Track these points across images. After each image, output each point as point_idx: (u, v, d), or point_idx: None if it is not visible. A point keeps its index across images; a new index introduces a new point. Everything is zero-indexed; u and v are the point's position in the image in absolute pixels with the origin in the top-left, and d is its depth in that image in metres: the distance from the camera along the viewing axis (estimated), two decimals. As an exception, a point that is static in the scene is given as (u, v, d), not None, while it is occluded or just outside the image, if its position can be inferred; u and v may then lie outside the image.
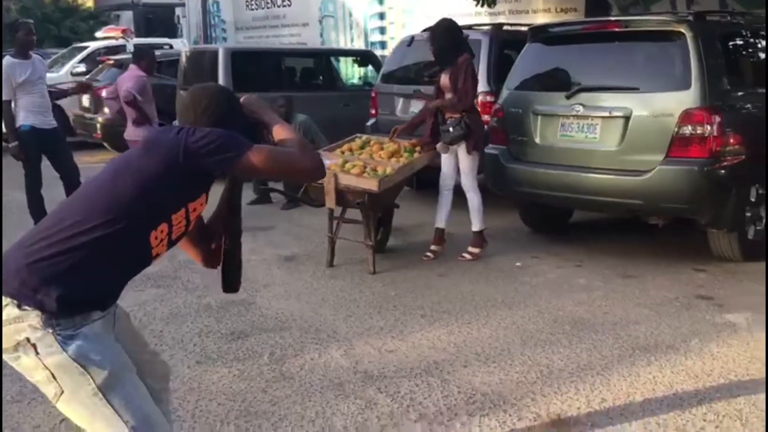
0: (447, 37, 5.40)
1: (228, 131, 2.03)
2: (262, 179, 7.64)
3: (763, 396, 3.26)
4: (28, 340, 1.85)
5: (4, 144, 6.57)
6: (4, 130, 6.13)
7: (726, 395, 3.31)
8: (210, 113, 2.15)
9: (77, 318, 1.88)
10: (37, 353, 1.85)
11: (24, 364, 1.88)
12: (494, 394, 3.35)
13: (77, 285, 1.88)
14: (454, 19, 5.71)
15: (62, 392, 1.87)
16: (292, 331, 4.16)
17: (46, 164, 6.39)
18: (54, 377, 1.87)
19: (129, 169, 1.98)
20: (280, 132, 2.20)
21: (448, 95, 5.43)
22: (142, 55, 6.80)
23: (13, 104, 6.05)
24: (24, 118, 6.06)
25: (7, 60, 6.14)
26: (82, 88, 7.77)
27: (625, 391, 3.36)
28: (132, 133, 6.56)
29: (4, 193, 8.25)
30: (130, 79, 6.61)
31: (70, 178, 6.37)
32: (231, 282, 2.45)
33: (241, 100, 2.26)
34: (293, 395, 3.36)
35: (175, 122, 2.91)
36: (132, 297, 4.71)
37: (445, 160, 5.55)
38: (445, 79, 5.42)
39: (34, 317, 1.85)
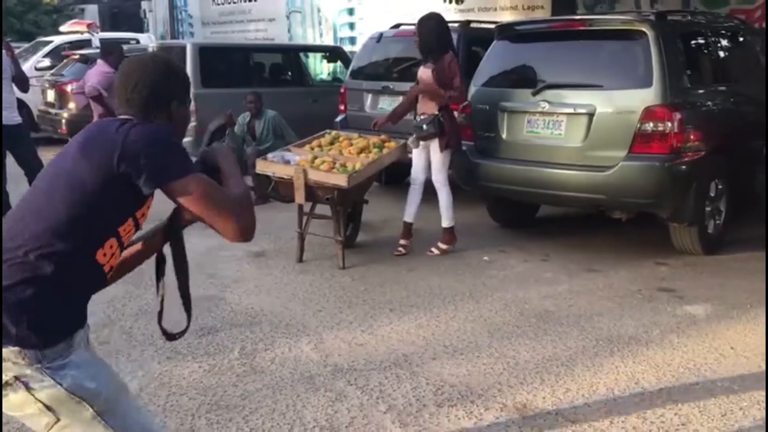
0: (435, 31, 5.44)
1: (175, 143, 1.85)
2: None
3: (720, 383, 3.38)
4: (16, 378, 1.73)
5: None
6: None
7: (685, 384, 3.42)
8: (142, 88, 1.93)
9: (61, 345, 1.77)
10: (28, 389, 1.73)
11: (13, 400, 1.75)
12: (462, 386, 3.41)
13: (49, 312, 1.76)
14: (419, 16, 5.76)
15: (57, 420, 1.78)
16: (262, 325, 4.18)
17: (10, 160, 6.31)
18: (48, 408, 1.76)
19: (66, 179, 1.81)
20: (232, 183, 1.95)
21: None
22: (110, 51, 6.76)
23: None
24: (-12, 114, 5.98)
25: (-31, 55, 6.04)
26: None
27: (588, 381, 3.45)
28: (99, 128, 6.50)
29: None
30: (97, 74, 6.57)
31: (34, 175, 6.27)
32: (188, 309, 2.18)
33: (206, 148, 2.05)
34: (264, 389, 3.39)
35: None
36: (100, 294, 4.66)
37: (416, 155, 5.61)
38: (426, 73, 5.45)
39: (16, 355, 1.72)
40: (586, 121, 5.21)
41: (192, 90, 7.03)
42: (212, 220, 1.84)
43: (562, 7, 9.75)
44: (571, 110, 5.30)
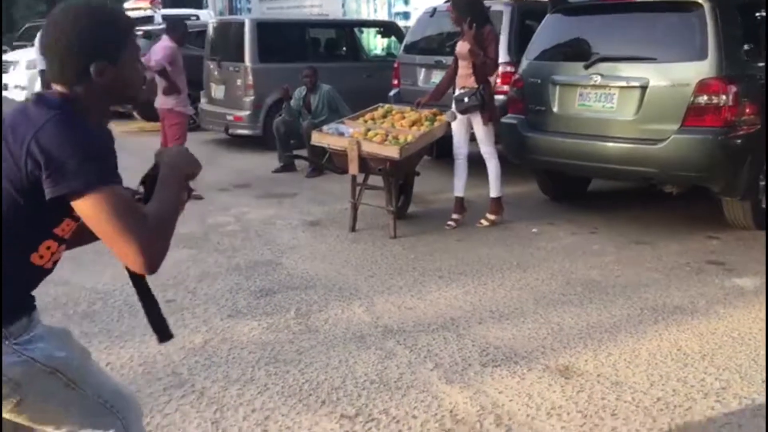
0: (469, 3, 5.51)
1: (87, 146, 1.54)
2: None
3: (763, 353, 3.43)
4: None
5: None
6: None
7: (728, 352, 3.48)
8: (51, 54, 1.63)
9: (24, 320, 1.68)
10: None
11: None
12: (506, 348, 3.55)
13: (7, 292, 1.65)
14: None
15: (22, 399, 1.67)
16: (316, 289, 4.38)
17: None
18: (19, 386, 1.66)
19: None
20: (156, 198, 1.67)
21: (463, 63, 5.55)
22: (174, 27, 6.98)
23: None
24: (60, 87, 6.30)
25: (43, 30, 6.37)
26: None
27: (631, 347, 3.55)
28: (162, 101, 6.79)
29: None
30: (162, 49, 6.81)
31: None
32: (164, 330, 1.97)
33: (160, 150, 1.83)
34: (318, 346, 3.59)
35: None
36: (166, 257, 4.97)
37: (456, 129, 5.70)
38: (464, 47, 5.53)
39: None
40: (638, 94, 5.21)
41: (250, 64, 7.30)
42: (114, 244, 1.56)
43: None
44: (623, 83, 5.31)
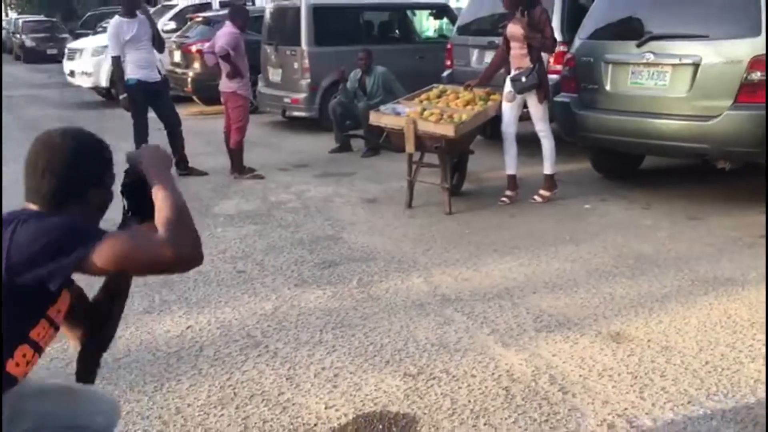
0: None
1: (65, 222, 1.62)
2: None
3: (812, 321, 3.54)
4: None
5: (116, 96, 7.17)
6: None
7: (777, 320, 3.59)
8: (49, 178, 1.69)
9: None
10: None
11: None
12: (560, 315, 3.73)
13: None
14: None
15: None
16: (376, 261, 4.62)
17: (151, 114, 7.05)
18: None
19: None
20: (160, 198, 1.67)
21: (515, 44, 5.67)
22: (236, 13, 7.25)
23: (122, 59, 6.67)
24: (131, 72, 6.69)
25: (115, 19, 6.77)
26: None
27: (681, 315, 3.69)
28: (225, 85, 7.08)
29: (111, 143, 9.03)
30: (225, 35, 7.09)
31: (172, 127, 7.01)
32: (90, 371, 2.00)
33: (128, 153, 1.83)
34: (380, 312, 3.83)
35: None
36: (233, 231, 5.29)
37: (507, 109, 5.82)
38: (516, 28, 5.64)
39: None
40: (691, 71, 5.27)
41: (306, 47, 7.57)
42: (151, 271, 1.67)
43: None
44: (676, 61, 5.37)
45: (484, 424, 2.77)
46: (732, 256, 4.53)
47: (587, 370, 3.16)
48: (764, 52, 4.93)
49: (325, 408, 2.91)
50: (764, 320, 3.59)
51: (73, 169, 1.70)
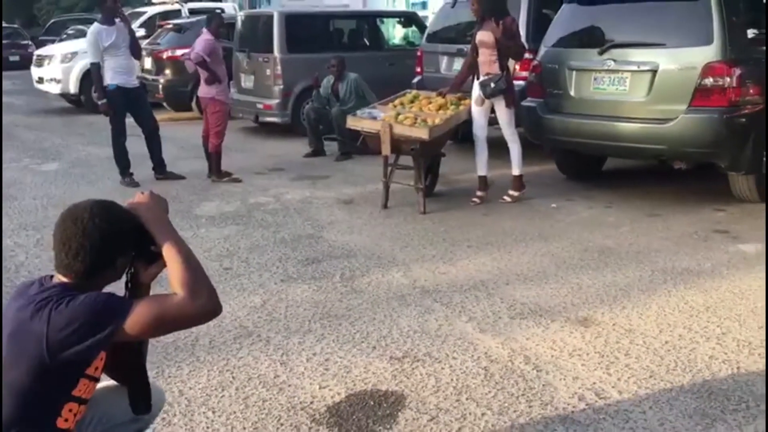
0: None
1: (98, 301, 1.75)
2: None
3: (761, 305, 3.86)
4: None
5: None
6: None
7: (729, 304, 3.92)
8: (83, 258, 1.80)
9: None
10: None
11: None
12: (531, 304, 4.00)
13: None
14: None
15: None
16: (357, 257, 4.85)
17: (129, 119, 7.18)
18: None
19: (6, 377, 1.75)
20: (170, 256, 1.82)
21: (485, 51, 5.94)
22: (210, 19, 7.43)
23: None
24: (110, 78, 6.82)
25: (94, 26, 6.90)
26: None
27: (642, 302, 3.99)
28: (204, 90, 7.24)
29: (84, 149, 9.12)
30: (201, 42, 7.25)
31: (150, 131, 7.15)
32: (144, 400, 2.08)
33: (128, 203, 1.92)
34: (364, 304, 4.06)
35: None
36: (216, 232, 5.47)
37: (477, 113, 6.11)
38: (487, 35, 5.91)
39: None
40: (649, 77, 5.62)
41: (278, 54, 7.81)
42: (180, 327, 1.86)
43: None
44: (635, 67, 5.72)
45: (467, 399, 3.02)
46: (688, 249, 4.86)
47: (558, 351, 3.44)
48: (717, 59, 5.29)
49: (319, 388, 3.13)
50: (717, 305, 3.91)
51: (104, 248, 1.82)
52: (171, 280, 1.81)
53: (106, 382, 2.09)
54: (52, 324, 1.71)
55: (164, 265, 1.87)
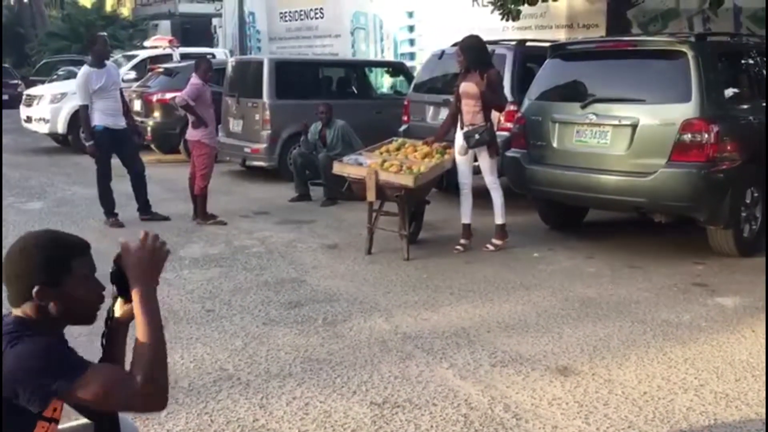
0: (479, 49, 6.09)
1: (51, 349, 1.71)
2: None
3: (738, 357, 3.91)
4: None
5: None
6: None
7: (707, 357, 3.95)
8: (20, 284, 1.77)
9: None
10: None
11: None
12: (512, 352, 4.02)
13: None
14: (481, 33, 6.41)
15: None
16: (340, 302, 4.86)
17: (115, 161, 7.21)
18: None
19: None
20: (141, 328, 1.77)
21: (469, 101, 6.07)
22: (198, 64, 7.54)
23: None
24: (98, 120, 6.88)
25: (84, 69, 6.99)
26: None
27: (622, 352, 4.02)
28: (191, 133, 7.32)
29: (69, 189, 9.11)
30: (188, 86, 7.36)
31: (136, 172, 7.19)
32: None
33: (122, 245, 1.83)
34: (345, 348, 4.06)
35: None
36: (199, 273, 5.47)
37: (462, 162, 6.22)
38: (470, 86, 6.04)
39: None
40: (630, 131, 5.76)
41: (267, 100, 7.94)
42: (120, 410, 1.83)
43: (616, 26, 10.24)
44: (616, 122, 5.85)
45: (446, 446, 3.01)
46: (667, 301, 4.92)
47: (538, 399, 3.45)
48: (695, 116, 5.44)
49: (298, 432, 3.11)
50: (696, 357, 3.95)
51: (18, 271, 1.77)
52: (134, 354, 1.76)
53: (76, 419, 2.06)
54: (4, 364, 1.68)
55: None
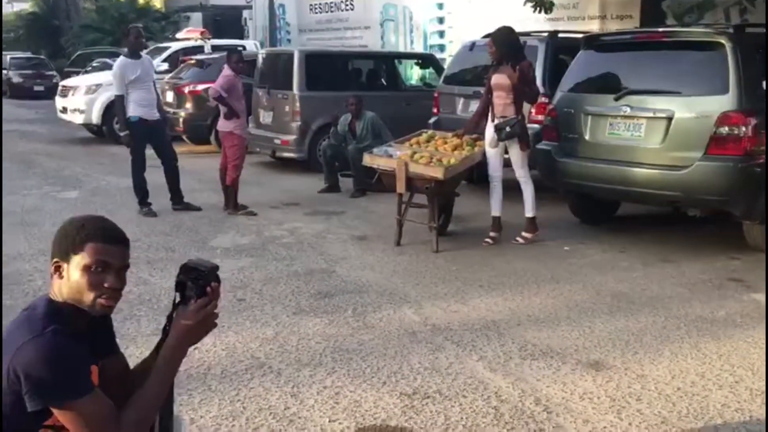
0: (511, 41, 6.04)
1: (64, 359, 1.72)
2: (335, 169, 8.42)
3: (774, 354, 3.84)
4: None
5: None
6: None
7: (743, 353, 3.89)
8: (51, 257, 1.86)
9: None
10: None
11: None
12: (542, 345, 4.00)
13: None
14: (512, 24, 6.36)
15: None
16: (369, 293, 4.87)
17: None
18: None
19: None
20: (152, 381, 1.83)
21: (500, 93, 6.03)
22: (230, 55, 7.59)
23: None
24: (133, 110, 6.97)
25: (120, 59, 7.08)
26: None
27: (655, 347, 3.97)
28: (222, 124, 7.38)
29: (103, 179, 9.25)
30: (220, 78, 7.41)
31: (169, 163, 7.27)
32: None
33: (203, 264, 1.90)
34: (375, 339, 4.07)
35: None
36: (231, 263, 5.51)
37: (492, 154, 6.18)
38: (502, 78, 6.00)
39: None
40: (665, 124, 5.67)
41: (297, 92, 7.95)
42: None
43: (651, 17, 10.08)
44: (651, 114, 5.77)
45: (476, 438, 3.01)
46: (702, 296, 4.84)
47: (569, 393, 3.42)
48: (732, 108, 5.34)
49: (329, 421, 3.13)
50: (731, 353, 3.89)
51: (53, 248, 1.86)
52: (135, 398, 1.80)
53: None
54: (15, 358, 1.70)
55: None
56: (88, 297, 1.81)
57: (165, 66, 13.13)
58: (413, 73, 14.15)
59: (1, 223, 6.13)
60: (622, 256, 5.83)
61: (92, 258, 1.81)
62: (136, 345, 3.77)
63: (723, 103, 5.42)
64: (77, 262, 1.80)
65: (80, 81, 13.55)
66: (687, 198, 5.68)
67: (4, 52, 32.15)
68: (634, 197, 6.26)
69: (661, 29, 6.62)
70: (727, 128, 5.40)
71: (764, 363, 3.75)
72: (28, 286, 4.89)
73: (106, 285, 1.82)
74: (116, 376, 1.98)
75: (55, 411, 1.72)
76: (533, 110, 7.19)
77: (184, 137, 11.85)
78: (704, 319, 4.42)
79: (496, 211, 6.26)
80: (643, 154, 5.80)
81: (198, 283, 1.86)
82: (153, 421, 1.85)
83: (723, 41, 5.51)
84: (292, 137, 9.66)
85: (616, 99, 5.93)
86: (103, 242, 1.83)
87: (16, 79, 25.06)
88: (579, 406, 3.29)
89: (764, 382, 3.53)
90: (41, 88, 23.98)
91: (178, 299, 1.90)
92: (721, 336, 4.13)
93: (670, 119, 5.63)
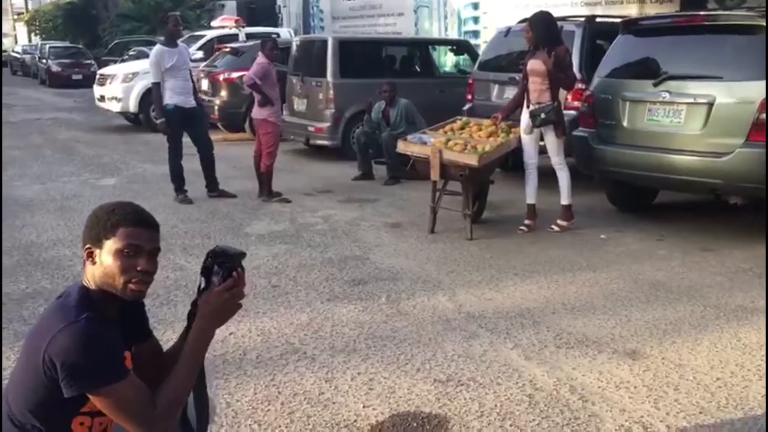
0: (548, 26, 5.96)
1: (98, 345, 1.75)
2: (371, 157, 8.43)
3: (818, 345, 3.75)
4: None
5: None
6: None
7: (784, 344, 3.81)
8: (83, 243, 1.89)
9: None
10: None
11: None
12: (578, 334, 3.96)
13: None
14: (548, 9, 6.27)
15: None
16: (403, 280, 4.87)
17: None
18: None
19: (22, 368, 1.83)
20: (182, 366, 1.86)
21: (536, 79, 5.95)
22: (264, 43, 7.62)
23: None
24: (170, 98, 7.04)
25: (157, 47, 7.15)
26: None
27: (694, 337, 3.91)
28: (257, 112, 7.42)
29: (140, 166, 9.39)
30: (254, 65, 7.44)
31: (205, 151, 7.34)
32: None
33: (231, 251, 1.94)
34: (409, 326, 4.07)
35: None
36: (265, 250, 5.56)
37: (527, 141, 6.11)
38: (538, 64, 5.93)
39: None
40: (705, 110, 5.54)
41: (331, 79, 7.95)
42: (121, 424, 1.81)
43: (691, 1, 9.85)
44: (691, 100, 5.65)
45: (510, 425, 3.00)
46: (742, 285, 4.75)
47: (605, 382, 3.39)
48: (774, 93, 5.20)
49: (363, 407, 3.15)
50: (772, 343, 3.81)
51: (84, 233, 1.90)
52: (166, 382, 1.83)
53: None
54: (51, 346, 1.73)
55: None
56: (120, 281, 1.84)
57: (200, 54, 13.22)
58: (447, 60, 14.05)
59: (1, 217, 6.32)
60: (660, 244, 5.74)
61: (124, 242, 1.83)
62: (173, 330, 3.82)
63: (765, 88, 5.27)
64: (109, 247, 1.83)
65: (117, 69, 13.73)
66: (727, 185, 5.55)
67: (42, 42, 32.79)
68: (673, 185, 6.15)
69: (702, 13, 6.47)
70: (770, 114, 5.26)
71: (807, 354, 3.67)
72: (68, 271, 5.00)
73: (138, 268, 1.85)
74: (150, 360, 2.01)
75: (91, 397, 1.76)
76: (569, 96, 7.09)
77: (218, 125, 11.95)
78: (745, 308, 4.34)
79: (531, 198, 6.21)
80: (682, 141, 5.69)
81: (224, 266, 1.89)
82: (185, 403, 1.88)
83: (764, 24, 5.36)
84: (325, 125, 9.68)
85: (655, 85, 5.82)
86: (133, 226, 1.86)
87: (54, 68, 25.51)
88: (615, 395, 3.25)
89: (807, 374, 3.46)
90: (79, 77, 24.40)
91: (203, 285, 1.92)
92: (762, 326, 4.04)
93: (710, 105, 5.51)
